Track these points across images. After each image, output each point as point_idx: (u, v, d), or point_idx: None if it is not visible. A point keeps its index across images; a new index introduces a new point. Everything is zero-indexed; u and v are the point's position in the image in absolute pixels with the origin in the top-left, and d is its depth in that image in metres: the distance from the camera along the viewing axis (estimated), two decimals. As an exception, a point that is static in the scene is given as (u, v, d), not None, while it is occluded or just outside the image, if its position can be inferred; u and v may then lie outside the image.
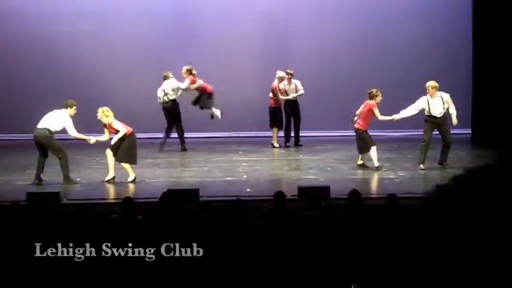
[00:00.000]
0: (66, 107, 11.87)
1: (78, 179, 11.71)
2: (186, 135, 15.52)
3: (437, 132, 12.82)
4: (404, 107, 12.88)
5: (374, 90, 12.77)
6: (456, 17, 17.63)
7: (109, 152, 11.67)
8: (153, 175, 12.30)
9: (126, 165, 11.73)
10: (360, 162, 12.89)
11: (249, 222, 7.37)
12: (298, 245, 6.63)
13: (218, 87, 15.68)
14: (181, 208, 7.80)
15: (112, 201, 10.22)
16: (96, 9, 17.40)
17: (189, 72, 15.19)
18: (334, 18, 17.88)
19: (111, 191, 11.18)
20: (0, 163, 13.70)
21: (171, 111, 15.15)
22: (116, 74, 17.54)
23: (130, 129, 11.85)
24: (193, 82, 15.20)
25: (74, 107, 11.87)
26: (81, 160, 13.62)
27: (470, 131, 16.80)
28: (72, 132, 11.83)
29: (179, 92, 15.21)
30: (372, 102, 12.68)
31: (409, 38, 17.76)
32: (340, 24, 17.89)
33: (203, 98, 15.35)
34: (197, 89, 15.35)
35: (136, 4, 17.61)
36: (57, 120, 11.78)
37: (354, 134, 13.04)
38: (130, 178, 11.65)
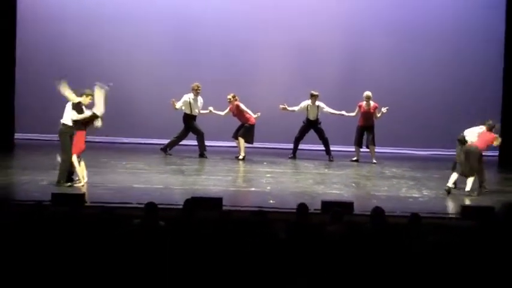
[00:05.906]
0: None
1: (69, 184, 11.41)
2: (212, 143, 16.16)
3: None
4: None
5: (492, 122, 12.36)
6: (489, 41, 17.58)
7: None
8: (177, 182, 12.33)
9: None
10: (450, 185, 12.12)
11: (272, 233, 7.36)
12: (319, 258, 6.61)
13: (245, 98, 15.80)
14: (203, 216, 7.81)
15: (136, 205, 10.23)
16: (120, 15, 17.64)
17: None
18: (361, 31, 17.90)
19: (136, 195, 11.17)
20: (26, 162, 13.83)
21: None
22: (138, 80, 17.70)
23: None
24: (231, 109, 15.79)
25: (84, 96, 11.48)
26: (107, 164, 13.70)
27: (497, 154, 16.69)
28: (74, 116, 11.35)
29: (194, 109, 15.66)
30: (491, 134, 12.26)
31: (439, 64, 17.72)
32: (364, 37, 17.90)
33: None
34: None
35: (161, 12, 17.76)
36: (68, 112, 11.52)
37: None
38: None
